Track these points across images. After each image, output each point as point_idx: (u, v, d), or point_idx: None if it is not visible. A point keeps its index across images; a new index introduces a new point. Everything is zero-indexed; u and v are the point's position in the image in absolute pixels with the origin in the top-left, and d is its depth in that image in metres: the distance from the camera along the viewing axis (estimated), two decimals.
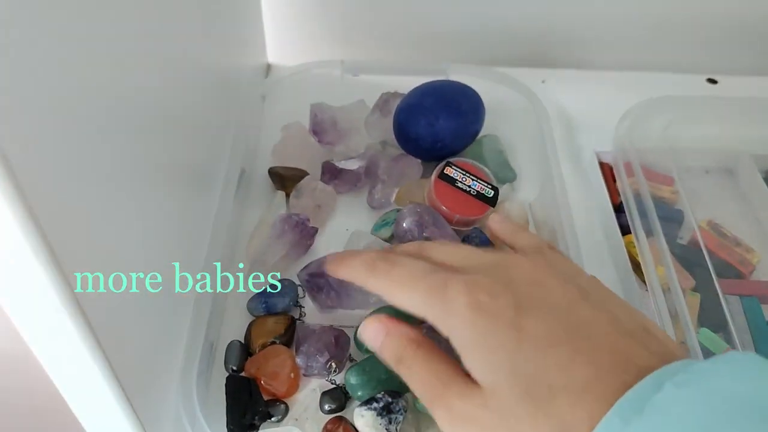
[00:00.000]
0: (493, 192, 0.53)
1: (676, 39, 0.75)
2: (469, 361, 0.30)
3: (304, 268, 0.48)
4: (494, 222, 0.40)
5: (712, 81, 0.73)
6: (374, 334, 0.33)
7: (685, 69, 0.73)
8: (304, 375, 0.45)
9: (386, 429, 0.40)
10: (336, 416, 0.43)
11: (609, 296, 0.32)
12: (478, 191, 0.53)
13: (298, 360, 0.44)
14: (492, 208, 0.53)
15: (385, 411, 0.41)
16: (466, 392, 0.29)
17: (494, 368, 0.29)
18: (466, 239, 0.52)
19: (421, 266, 0.33)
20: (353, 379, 0.43)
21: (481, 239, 0.52)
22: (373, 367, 0.43)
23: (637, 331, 0.29)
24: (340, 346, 0.45)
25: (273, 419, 0.42)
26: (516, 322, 0.29)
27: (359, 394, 0.43)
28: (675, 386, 0.24)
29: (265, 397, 0.43)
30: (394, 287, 0.33)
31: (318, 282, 0.47)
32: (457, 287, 0.31)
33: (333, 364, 0.44)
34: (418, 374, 0.31)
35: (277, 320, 0.47)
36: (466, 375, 0.30)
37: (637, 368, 0.26)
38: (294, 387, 0.44)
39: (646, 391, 0.24)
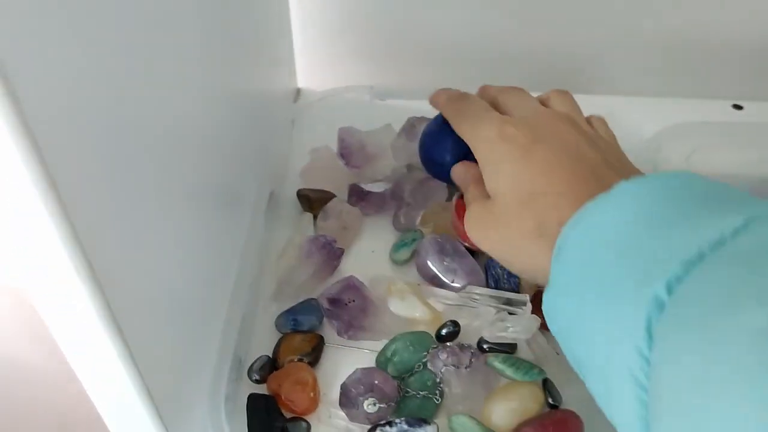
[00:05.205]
0: None
1: (700, 64, 0.76)
2: (485, 175, 0.41)
3: (324, 292, 0.49)
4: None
5: (738, 107, 0.73)
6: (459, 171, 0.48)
7: (708, 95, 0.73)
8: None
9: None
10: None
11: (609, 142, 0.43)
12: None
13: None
14: None
15: None
16: (480, 201, 0.42)
17: (498, 179, 0.40)
18: (489, 262, 0.53)
19: (481, 105, 0.44)
20: None
21: None
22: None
23: (617, 164, 0.39)
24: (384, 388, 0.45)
25: None
26: (528, 147, 0.39)
27: None
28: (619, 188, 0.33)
29: (287, 415, 0.44)
30: (456, 115, 0.46)
31: (335, 311, 0.49)
32: (493, 121, 0.42)
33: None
34: (466, 193, 0.45)
35: (304, 338, 0.48)
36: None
37: (607, 185, 0.34)
38: (313, 406, 0.45)
39: (602, 196, 0.33)
